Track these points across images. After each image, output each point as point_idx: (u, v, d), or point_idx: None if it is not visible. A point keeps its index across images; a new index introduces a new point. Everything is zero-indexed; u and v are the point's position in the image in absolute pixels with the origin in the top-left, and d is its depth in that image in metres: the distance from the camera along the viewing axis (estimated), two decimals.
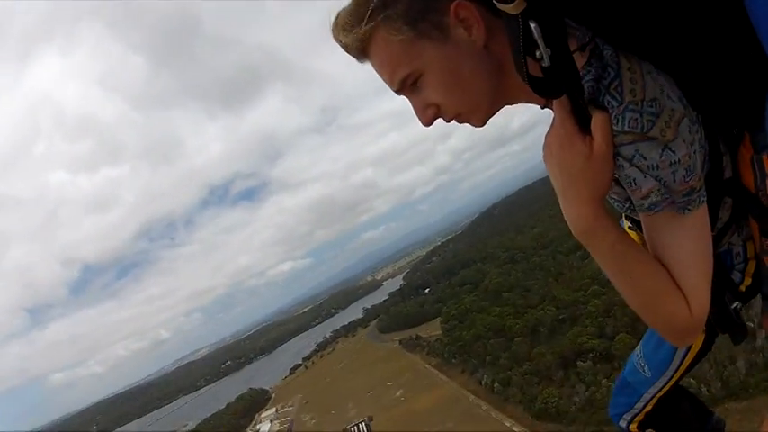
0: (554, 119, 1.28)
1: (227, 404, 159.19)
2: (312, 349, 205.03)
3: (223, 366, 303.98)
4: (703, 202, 1.28)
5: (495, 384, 66.39)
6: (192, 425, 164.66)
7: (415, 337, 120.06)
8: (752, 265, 1.72)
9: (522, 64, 1.10)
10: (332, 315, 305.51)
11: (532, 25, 1.04)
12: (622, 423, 2.31)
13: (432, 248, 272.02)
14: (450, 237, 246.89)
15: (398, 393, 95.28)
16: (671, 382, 2.12)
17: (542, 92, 1.15)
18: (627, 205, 1.42)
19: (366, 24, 1.26)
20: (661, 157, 1.17)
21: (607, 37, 1.21)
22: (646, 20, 1.16)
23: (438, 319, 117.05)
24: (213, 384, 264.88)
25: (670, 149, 1.17)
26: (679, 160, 1.18)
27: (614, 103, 1.16)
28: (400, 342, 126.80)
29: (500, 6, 1.06)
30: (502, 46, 1.24)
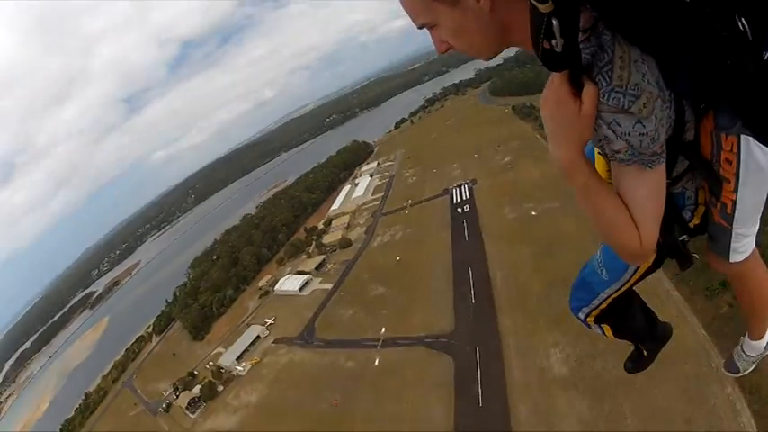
0: (551, 78, 1.63)
1: (329, 158, 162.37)
2: (420, 105, 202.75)
3: (327, 121, 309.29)
4: (662, 162, 1.70)
5: None
6: (291, 180, 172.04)
7: (528, 105, 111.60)
8: (701, 210, 2.21)
9: (540, 46, 1.46)
10: (443, 73, 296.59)
11: (555, 22, 1.38)
12: (581, 315, 2.78)
13: None
14: None
15: (506, 159, 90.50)
16: (624, 287, 2.55)
17: (550, 66, 1.52)
18: (600, 144, 1.77)
19: None
20: (633, 127, 1.57)
21: (608, 20, 1.54)
22: (643, 12, 1.46)
23: None
24: (316, 139, 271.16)
25: (641, 123, 1.56)
26: (647, 133, 1.58)
27: (603, 83, 1.54)
28: (512, 108, 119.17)
29: (534, 3, 1.38)
30: (507, 11, 1.60)
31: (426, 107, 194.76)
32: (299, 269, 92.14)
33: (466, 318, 52.10)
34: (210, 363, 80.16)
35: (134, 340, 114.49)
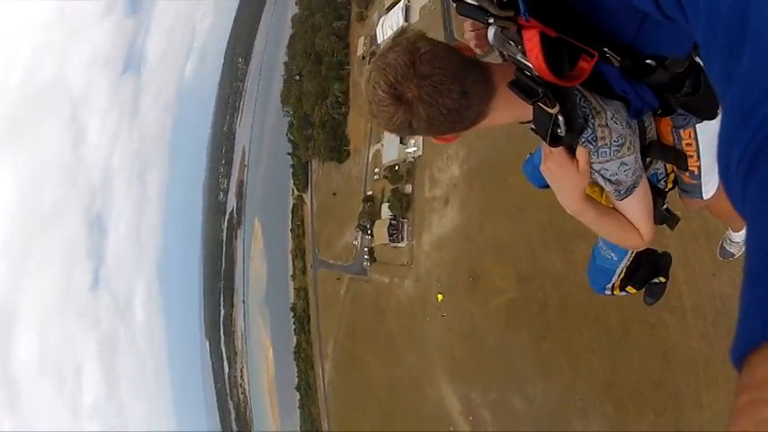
0: (546, 149, 2.09)
1: None
2: None
3: None
4: (643, 177, 2.17)
5: None
6: None
7: None
8: (671, 176, 2.72)
9: (549, 136, 1.96)
10: None
11: (560, 119, 1.89)
12: (607, 292, 3.26)
13: None
14: None
15: None
16: (631, 257, 3.03)
17: (555, 145, 2.00)
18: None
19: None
20: (618, 168, 2.04)
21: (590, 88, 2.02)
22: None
23: None
24: None
25: (624, 163, 2.03)
26: (630, 167, 2.05)
27: (591, 147, 1.99)
28: None
29: (545, 108, 1.85)
30: (484, 119, 2.00)
31: None
32: (386, 7, 73.20)
33: None
34: (376, 170, 66.20)
35: (290, 216, 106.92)
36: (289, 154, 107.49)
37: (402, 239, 57.69)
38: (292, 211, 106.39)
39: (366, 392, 65.73)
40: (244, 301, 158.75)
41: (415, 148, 55.97)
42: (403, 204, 57.15)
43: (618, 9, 1.70)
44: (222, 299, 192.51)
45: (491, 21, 1.76)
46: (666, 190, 2.73)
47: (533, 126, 2.04)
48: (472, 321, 45.07)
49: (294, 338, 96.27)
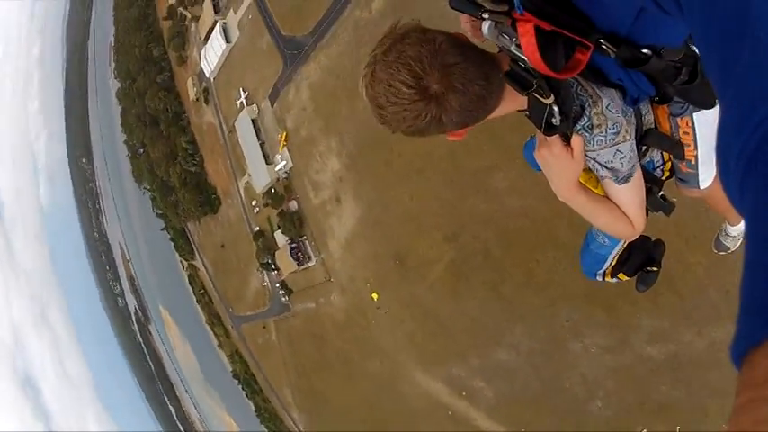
0: (541, 137, 2.12)
1: None
2: None
3: None
4: (638, 168, 2.20)
5: None
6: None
7: None
8: (668, 165, 2.72)
9: (544, 126, 1.98)
10: None
11: (555, 109, 1.91)
12: (598, 278, 3.39)
13: None
14: None
15: None
16: (624, 243, 3.11)
17: (549, 134, 2.03)
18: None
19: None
20: (614, 156, 2.06)
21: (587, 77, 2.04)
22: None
23: None
24: None
25: (619, 151, 2.05)
26: (625, 155, 2.07)
27: (587, 135, 2.03)
28: None
29: (539, 98, 1.89)
30: (497, 107, 2.01)
31: None
32: (203, 39, 70.07)
33: None
34: (254, 203, 63.38)
35: (190, 288, 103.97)
36: (163, 229, 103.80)
37: (310, 258, 54.31)
38: (190, 283, 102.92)
39: (347, 421, 61.41)
40: (187, 391, 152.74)
41: (284, 162, 52.94)
42: (295, 223, 53.87)
43: (613, 1, 1.69)
44: (167, 398, 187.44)
45: (485, 15, 1.78)
46: (663, 178, 2.70)
47: (528, 115, 2.06)
48: (419, 303, 42.74)
49: (250, 403, 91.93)
